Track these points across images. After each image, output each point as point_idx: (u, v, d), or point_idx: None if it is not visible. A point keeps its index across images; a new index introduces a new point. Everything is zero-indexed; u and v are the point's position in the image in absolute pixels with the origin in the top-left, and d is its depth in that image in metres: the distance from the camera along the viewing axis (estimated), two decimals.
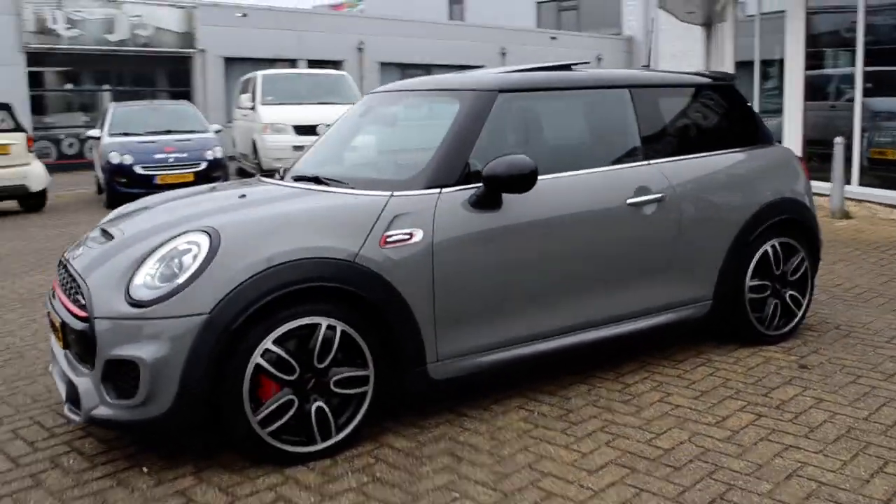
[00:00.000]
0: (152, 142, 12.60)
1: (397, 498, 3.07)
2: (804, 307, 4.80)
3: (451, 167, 3.72)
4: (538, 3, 35.17)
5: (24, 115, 18.70)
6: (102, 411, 3.26)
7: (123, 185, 11.99)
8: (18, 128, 12.17)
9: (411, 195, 3.61)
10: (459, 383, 3.77)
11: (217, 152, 12.74)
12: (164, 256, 3.31)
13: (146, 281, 3.26)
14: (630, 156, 4.28)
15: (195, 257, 3.26)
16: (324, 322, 3.32)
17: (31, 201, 12.11)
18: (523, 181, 3.62)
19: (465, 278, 3.64)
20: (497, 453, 3.40)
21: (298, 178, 4.15)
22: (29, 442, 3.70)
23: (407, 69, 26.57)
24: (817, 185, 9.98)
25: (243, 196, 3.90)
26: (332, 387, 3.37)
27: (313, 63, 23.44)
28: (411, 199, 3.60)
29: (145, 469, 3.37)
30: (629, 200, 4.09)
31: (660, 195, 4.19)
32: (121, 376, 3.23)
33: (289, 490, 3.16)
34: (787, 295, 4.70)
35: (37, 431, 3.82)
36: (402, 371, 3.54)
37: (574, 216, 3.94)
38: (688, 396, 3.94)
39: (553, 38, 30.00)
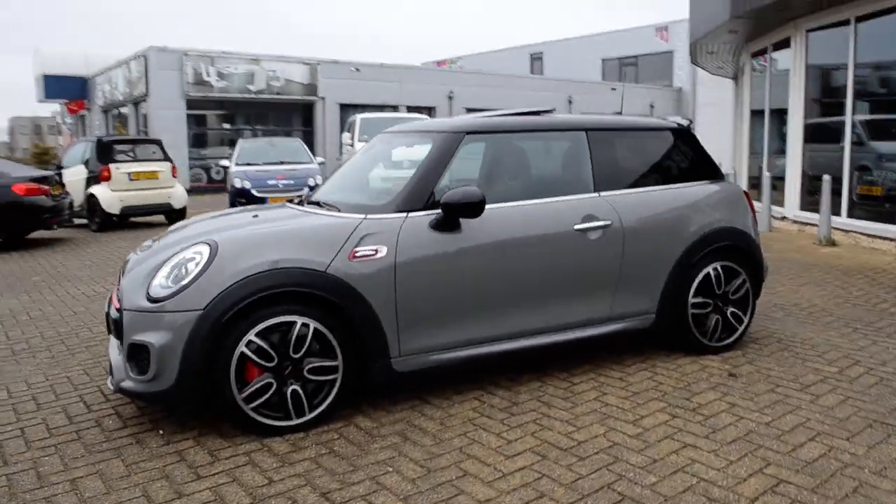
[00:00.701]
0: (267, 171, 12.99)
1: (341, 467, 3.04)
2: (745, 323, 4.51)
3: (418, 195, 3.69)
4: (603, 60, 34.60)
5: (183, 149, 19.71)
6: (127, 384, 3.37)
7: (243, 205, 12.40)
8: (166, 158, 12.76)
9: (381, 218, 3.60)
10: (421, 375, 3.70)
11: (318, 180, 13.02)
12: (177, 263, 3.40)
13: (161, 282, 3.35)
14: (581, 188, 4.13)
15: (197, 264, 3.33)
16: (299, 320, 3.33)
17: (174, 216, 12.66)
18: (474, 208, 3.58)
19: (425, 288, 3.59)
20: (439, 436, 3.33)
21: (310, 203, 4.18)
22: (87, 405, 3.85)
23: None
24: (810, 216, 9.47)
25: (256, 216, 3.95)
26: (305, 374, 3.37)
27: (411, 108, 23.75)
28: (381, 222, 3.58)
29: (161, 432, 3.45)
30: (577, 226, 3.94)
31: (606, 222, 4.02)
32: (138, 357, 3.32)
33: (260, 456, 3.17)
34: (729, 312, 4.42)
35: (97, 397, 3.96)
36: (367, 363, 3.51)
37: (525, 239, 3.84)
38: (620, 396, 3.75)
39: (613, 88, 29.40)
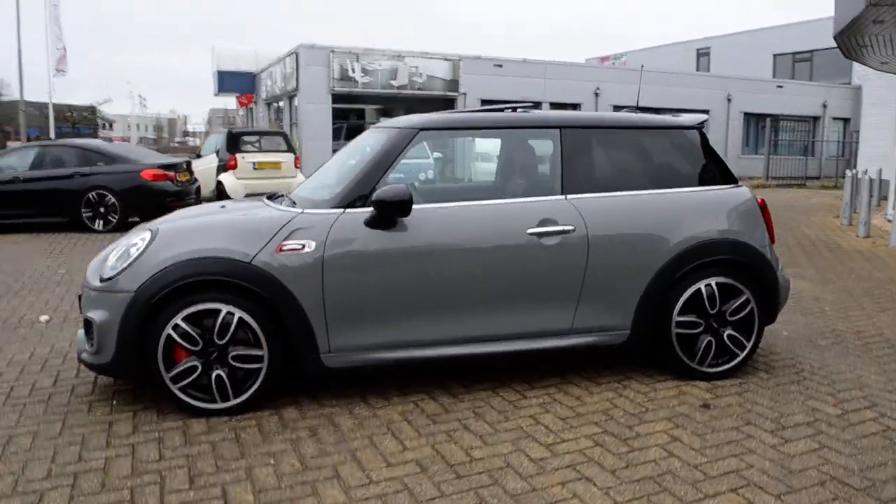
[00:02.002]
0: (419, 164, 13.34)
1: (231, 454, 3.09)
2: (748, 349, 3.98)
3: (359, 191, 3.64)
4: (774, 55, 31.86)
5: (327, 141, 20.79)
6: (84, 355, 3.64)
7: None
8: (290, 149, 13.55)
9: (316, 213, 3.60)
10: (355, 372, 3.65)
11: (429, 174, 13.21)
12: (125, 247, 3.62)
13: (111, 264, 3.59)
14: (546, 190, 3.84)
15: (138, 249, 3.52)
16: (224, 308, 3.42)
17: None
18: (401, 206, 3.49)
19: (356, 285, 3.54)
20: (346, 435, 3.29)
21: (277, 198, 4.14)
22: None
23: (637, 112, 25.47)
24: None
25: (223, 207, 4.09)
26: (231, 360, 3.46)
27: (554, 105, 23.34)
28: (314, 217, 3.58)
29: (115, 402, 3.69)
30: (530, 231, 3.68)
31: (567, 227, 3.72)
32: (89, 331, 3.58)
33: (173, 434, 3.29)
34: (726, 334, 3.92)
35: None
36: (295, 356, 3.53)
37: (468, 241, 3.66)
38: (559, 416, 3.48)
39: (780, 86, 27.01)
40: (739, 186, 4.16)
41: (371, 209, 3.58)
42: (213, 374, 3.46)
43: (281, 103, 24.11)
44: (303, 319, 3.50)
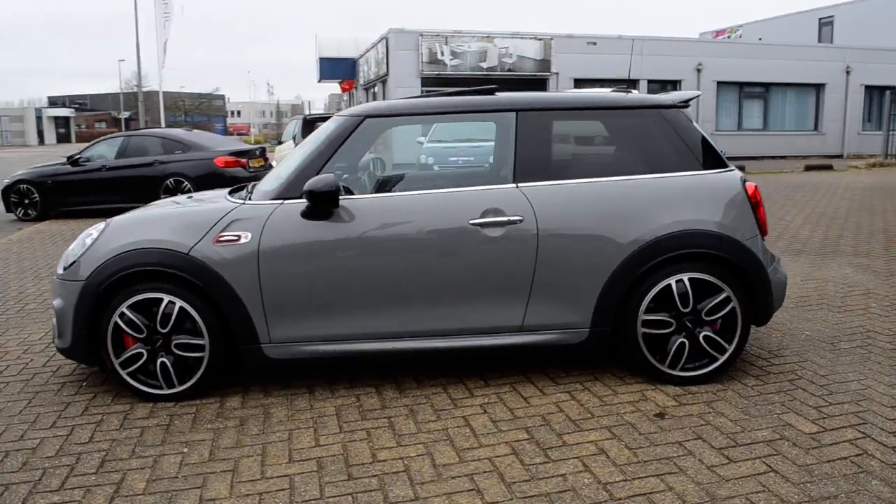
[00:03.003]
0: (453, 148, 13.23)
1: (154, 440, 3.14)
2: (729, 353, 3.57)
3: (298, 182, 3.54)
4: None
5: (416, 126, 20.84)
6: (56, 342, 3.79)
7: None
8: None
9: (256, 204, 3.56)
10: (296, 364, 3.59)
11: (429, 160, 12.99)
12: (82, 237, 3.74)
13: (69, 252, 3.71)
14: (497, 178, 3.59)
15: (92, 240, 3.63)
16: (166, 298, 3.46)
17: None
18: (329, 197, 3.38)
19: (293, 277, 3.47)
20: (269, 428, 3.25)
21: (239, 189, 4.14)
22: None
23: (744, 87, 23.91)
24: None
25: (189, 198, 4.12)
26: (174, 348, 3.50)
27: (652, 82, 22.27)
28: (253, 208, 3.55)
29: (83, 384, 3.84)
30: (472, 221, 3.45)
31: (515, 218, 3.46)
32: (56, 319, 3.73)
33: (114, 417, 3.38)
34: (702, 336, 3.53)
35: None
36: (236, 346, 3.51)
37: (407, 232, 3.49)
38: (494, 419, 3.29)
39: None
40: (728, 171, 3.72)
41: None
42: (159, 362, 3.51)
43: (376, 88, 24.46)
44: (241, 310, 3.47)
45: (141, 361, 3.52)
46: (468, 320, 3.53)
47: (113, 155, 11.28)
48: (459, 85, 22.09)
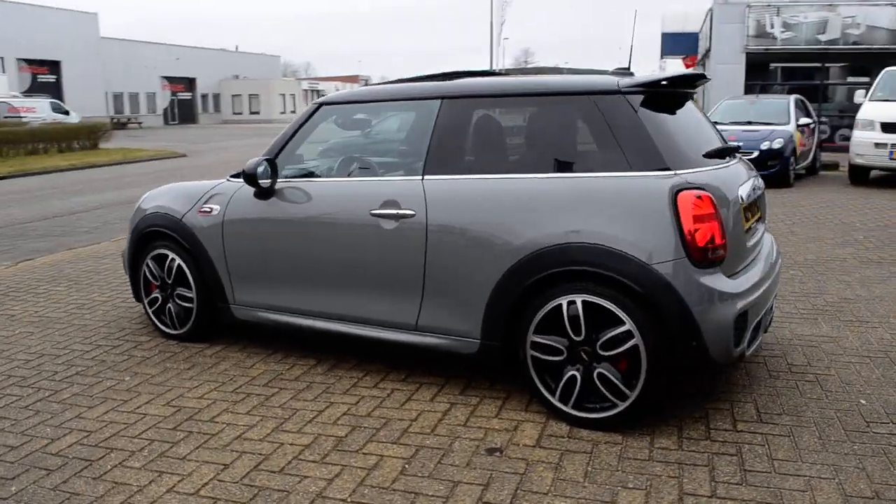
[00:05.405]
0: (725, 130, 11.75)
1: (112, 380, 3.78)
2: (631, 400, 2.88)
3: None
4: None
5: None
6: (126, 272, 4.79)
7: None
8: None
9: (231, 181, 3.98)
10: (262, 328, 3.95)
11: (774, 144, 11.20)
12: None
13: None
14: (406, 168, 3.38)
15: (140, 200, 4.48)
16: (170, 254, 4.15)
17: None
18: (250, 179, 3.67)
19: (244, 249, 3.87)
20: (188, 395, 3.63)
21: None
22: None
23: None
24: None
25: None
26: (175, 297, 4.18)
27: None
28: (227, 185, 3.99)
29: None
30: (372, 212, 3.36)
31: (408, 211, 3.27)
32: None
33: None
34: (597, 374, 2.91)
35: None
36: (214, 302, 4.04)
37: (319, 218, 3.61)
38: (307, 418, 3.21)
39: None
40: (660, 176, 2.91)
41: None
42: (167, 307, 4.23)
43: (704, 66, 22.53)
44: (214, 272, 3.98)
45: (157, 305, 4.29)
46: (369, 311, 3.49)
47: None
48: (788, 61, 19.05)
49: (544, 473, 2.62)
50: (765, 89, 18.76)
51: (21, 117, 25.42)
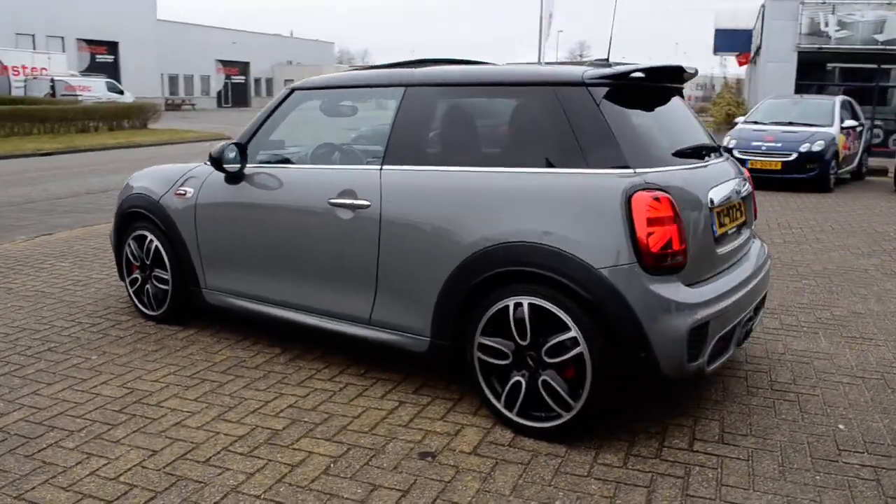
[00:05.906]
0: (763, 131, 11.31)
1: (82, 356, 3.83)
2: (575, 411, 2.73)
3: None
4: None
5: None
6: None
7: None
8: None
9: (205, 165, 3.93)
10: (231, 315, 3.91)
11: (815, 146, 10.68)
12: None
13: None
14: (368, 158, 3.28)
15: (126, 181, 4.49)
16: (148, 235, 4.15)
17: None
18: (217, 164, 3.59)
19: (214, 233, 3.83)
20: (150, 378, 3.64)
21: None
22: None
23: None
24: None
25: None
26: (153, 278, 4.18)
27: None
28: (202, 169, 3.96)
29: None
30: (331, 201, 3.26)
31: (363, 202, 3.17)
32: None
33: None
34: (541, 380, 2.76)
35: None
36: (187, 286, 4.02)
37: (281, 206, 3.54)
38: (252, 408, 3.14)
39: None
40: (617, 174, 2.72)
41: None
42: (146, 287, 4.23)
43: (755, 63, 21.69)
44: (188, 255, 3.95)
45: (137, 285, 4.29)
46: (327, 302, 3.40)
47: None
48: (843, 61, 18.15)
49: (470, 483, 2.50)
50: (821, 90, 17.95)
51: (76, 95, 26.25)
